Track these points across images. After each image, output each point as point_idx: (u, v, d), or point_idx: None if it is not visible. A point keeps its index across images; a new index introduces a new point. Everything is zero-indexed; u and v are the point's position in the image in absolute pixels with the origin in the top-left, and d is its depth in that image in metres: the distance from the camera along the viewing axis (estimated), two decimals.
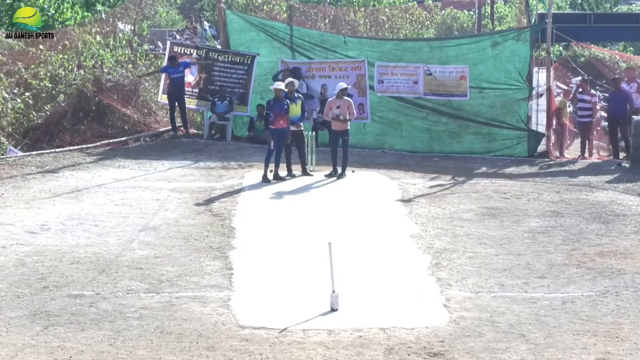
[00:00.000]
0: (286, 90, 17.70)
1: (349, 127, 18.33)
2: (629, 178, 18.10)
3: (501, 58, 20.96)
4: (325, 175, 18.05)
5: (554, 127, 21.11)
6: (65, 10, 24.03)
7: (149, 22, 26.64)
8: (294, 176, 18.08)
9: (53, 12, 23.79)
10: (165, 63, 21.89)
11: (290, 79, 18.40)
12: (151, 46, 28.36)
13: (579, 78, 22.58)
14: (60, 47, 22.03)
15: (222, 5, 22.75)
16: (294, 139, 18.01)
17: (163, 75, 21.90)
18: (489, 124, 21.02)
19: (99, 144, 20.81)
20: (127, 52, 23.32)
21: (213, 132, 21.90)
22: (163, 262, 12.30)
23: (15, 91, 20.86)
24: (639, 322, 10.16)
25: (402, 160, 20.25)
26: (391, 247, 13.26)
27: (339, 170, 18.11)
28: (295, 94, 18.07)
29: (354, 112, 18.41)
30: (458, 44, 21.71)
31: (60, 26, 23.47)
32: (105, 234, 13.68)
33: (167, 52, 22.17)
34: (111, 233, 13.71)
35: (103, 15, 24.22)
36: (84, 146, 20.55)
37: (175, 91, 21.20)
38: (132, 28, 24.14)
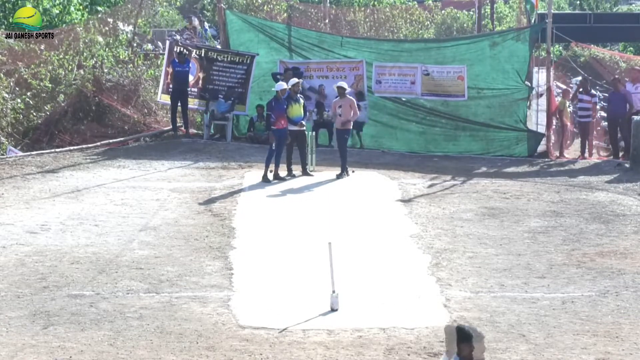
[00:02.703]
0: (290, 90, 17.69)
1: (350, 127, 18.36)
2: (629, 178, 18.09)
3: (499, 58, 20.89)
4: (337, 176, 18.01)
5: (554, 127, 21.09)
6: (71, 11, 23.98)
7: (149, 22, 26.58)
8: (294, 176, 18.07)
9: (57, 12, 23.73)
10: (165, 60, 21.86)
11: (295, 80, 18.40)
12: (152, 46, 28.33)
13: (579, 78, 22.56)
14: (65, 44, 21.96)
15: (222, 5, 22.76)
16: (296, 139, 18.00)
17: (163, 75, 21.87)
18: (487, 125, 20.99)
19: (99, 144, 20.80)
20: (127, 52, 23.30)
21: (213, 132, 21.88)
22: (163, 262, 12.30)
23: (16, 91, 20.84)
24: (639, 322, 10.16)
25: (402, 161, 20.23)
26: (391, 247, 13.26)
27: (348, 169, 18.12)
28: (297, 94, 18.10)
29: (357, 111, 18.43)
30: (456, 44, 21.70)
31: (64, 26, 23.42)
32: (105, 234, 13.68)
33: (166, 52, 22.14)
34: (111, 233, 13.71)
35: (108, 19, 24.15)
36: (84, 146, 20.54)
37: (179, 88, 21.14)
38: (133, 28, 24.11)
